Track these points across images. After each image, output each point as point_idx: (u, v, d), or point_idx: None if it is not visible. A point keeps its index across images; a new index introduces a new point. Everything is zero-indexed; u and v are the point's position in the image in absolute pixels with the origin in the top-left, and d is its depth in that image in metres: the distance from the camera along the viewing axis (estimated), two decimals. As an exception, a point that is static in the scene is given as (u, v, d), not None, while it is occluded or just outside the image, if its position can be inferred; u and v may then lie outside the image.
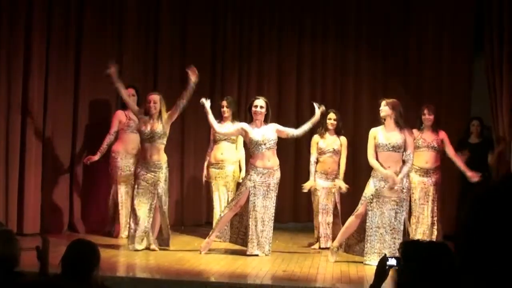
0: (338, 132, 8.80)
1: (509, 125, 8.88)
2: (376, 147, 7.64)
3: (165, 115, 8.07)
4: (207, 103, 8.01)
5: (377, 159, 7.61)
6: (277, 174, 8.02)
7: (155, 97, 8.12)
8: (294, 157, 10.38)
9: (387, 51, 10.77)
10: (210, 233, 8.06)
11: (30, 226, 8.83)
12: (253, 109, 7.98)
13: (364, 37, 10.82)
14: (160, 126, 8.02)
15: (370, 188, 7.62)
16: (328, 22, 10.89)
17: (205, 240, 8.05)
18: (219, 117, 9.06)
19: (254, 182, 7.93)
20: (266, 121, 8.04)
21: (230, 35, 10.84)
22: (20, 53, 8.75)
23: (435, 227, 8.46)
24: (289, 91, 10.88)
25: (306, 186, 8.65)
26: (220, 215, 8.21)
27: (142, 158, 8.18)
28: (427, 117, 8.56)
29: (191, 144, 10.53)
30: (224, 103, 9.10)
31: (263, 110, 7.96)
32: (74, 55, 9.47)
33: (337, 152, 8.76)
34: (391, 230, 7.58)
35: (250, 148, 8.04)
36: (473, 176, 8.28)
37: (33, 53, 8.87)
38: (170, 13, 10.48)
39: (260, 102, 8.01)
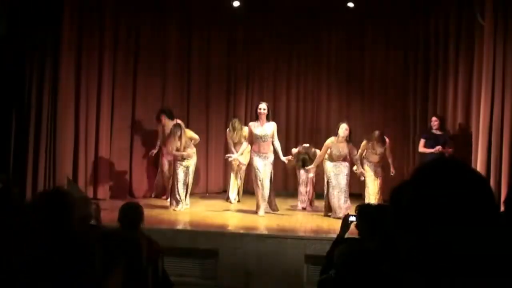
0: None
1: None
2: (330, 155, 7.94)
3: (187, 138, 8.22)
4: (232, 157, 8.50)
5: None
6: (271, 158, 7.96)
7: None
8: (284, 142, 10.36)
9: (350, 78, 10.71)
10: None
11: (102, 193, 8.87)
12: (258, 110, 7.95)
13: (332, 72, 10.77)
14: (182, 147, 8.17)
15: (328, 167, 7.91)
16: (307, 59, 10.85)
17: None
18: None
19: (256, 161, 7.94)
20: (268, 119, 7.98)
21: (240, 62, 10.83)
22: (94, 74, 8.75)
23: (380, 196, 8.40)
24: (280, 98, 10.87)
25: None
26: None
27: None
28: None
29: (213, 132, 10.54)
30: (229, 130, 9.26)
31: (265, 111, 7.91)
32: (132, 74, 9.48)
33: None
34: (343, 192, 7.79)
35: (253, 139, 8.03)
36: (393, 172, 8.28)
37: (103, 73, 8.88)
38: (198, 47, 10.45)
39: (263, 105, 7.96)
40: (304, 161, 8.76)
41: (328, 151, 7.98)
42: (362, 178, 8.22)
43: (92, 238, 2.99)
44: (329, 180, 7.93)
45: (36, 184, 7.38)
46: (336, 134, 7.98)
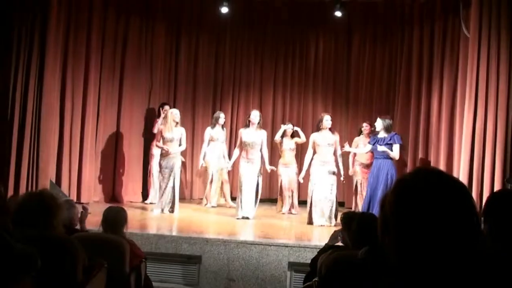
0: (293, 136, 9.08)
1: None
2: (316, 145, 7.91)
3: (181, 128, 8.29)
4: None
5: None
6: (257, 164, 8.04)
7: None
8: (270, 149, 10.37)
9: (335, 86, 10.80)
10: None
11: (86, 196, 8.79)
12: (253, 118, 8.14)
13: (318, 80, 10.83)
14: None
15: (313, 173, 7.87)
16: (293, 67, 10.91)
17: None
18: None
19: (242, 167, 8.04)
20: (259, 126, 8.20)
21: (227, 69, 10.87)
22: (80, 77, 8.66)
23: None
24: (266, 104, 10.91)
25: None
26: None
27: (164, 154, 8.23)
28: (365, 128, 8.59)
29: (198, 137, 10.53)
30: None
31: (258, 119, 8.16)
32: (119, 78, 9.44)
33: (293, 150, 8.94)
34: (328, 201, 7.74)
35: (242, 145, 8.14)
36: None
37: (89, 76, 8.80)
38: (186, 53, 10.49)
39: (256, 113, 8.21)
40: None
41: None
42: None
43: (75, 241, 2.97)
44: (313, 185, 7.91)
45: (18, 186, 7.29)
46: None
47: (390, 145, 7.55)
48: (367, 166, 8.41)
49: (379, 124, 7.74)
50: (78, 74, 8.61)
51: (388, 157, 7.52)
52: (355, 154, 8.49)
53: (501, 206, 2.36)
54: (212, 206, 9.24)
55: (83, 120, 8.75)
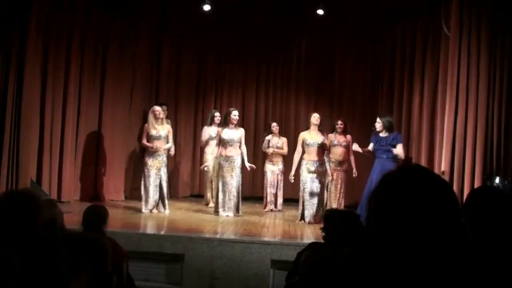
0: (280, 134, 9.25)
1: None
2: (305, 145, 7.92)
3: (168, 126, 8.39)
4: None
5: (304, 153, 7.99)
6: (237, 162, 8.04)
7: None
8: (252, 148, 10.41)
9: (318, 85, 10.85)
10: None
11: (66, 195, 8.70)
12: (232, 117, 8.10)
13: (301, 79, 10.89)
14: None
15: (303, 171, 7.91)
16: (277, 66, 10.96)
17: None
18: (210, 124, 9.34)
19: (222, 165, 8.02)
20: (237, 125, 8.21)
21: (210, 68, 10.89)
22: (61, 75, 8.57)
23: (343, 199, 8.55)
24: (249, 103, 10.93)
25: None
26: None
27: (151, 151, 8.15)
28: (339, 125, 8.59)
29: (181, 137, 10.52)
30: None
31: (237, 117, 8.16)
32: (100, 76, 9.37)
33: (281, 148, 8.97)
34: (318, 200, 7.82)
35: (221, 143, 8.14)
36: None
37: (70, 75, 8.70)
38: (169, 50, 10.44)
39: (236, 112, 8.21)
40: None
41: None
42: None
43: (57, 241, 2.94)
44: (304, 183, 7.96)
45: (-2, 185, 7.20)
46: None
47: (393, 146, 7.56)
48: (340, 163, 8.47)
49: (378, 124, 7.73)
50: (58, 71, 8.51)
51: (391, 157, 7.51)
52: (329, 152, 8.46)
53: (480, 202, 2.40)
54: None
55: (64, 118, 8.67)
